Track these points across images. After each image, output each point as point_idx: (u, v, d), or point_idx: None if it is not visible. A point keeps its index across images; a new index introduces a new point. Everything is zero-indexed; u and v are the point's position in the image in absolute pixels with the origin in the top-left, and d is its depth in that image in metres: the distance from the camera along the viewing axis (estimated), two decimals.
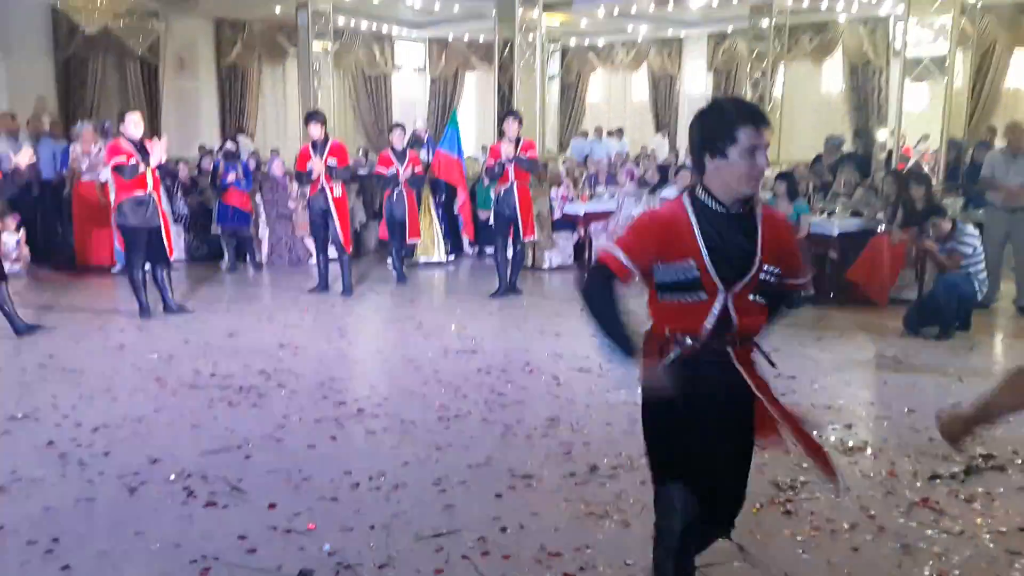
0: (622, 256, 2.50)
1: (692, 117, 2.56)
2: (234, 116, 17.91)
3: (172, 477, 4.07)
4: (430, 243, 10.52)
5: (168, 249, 7.55)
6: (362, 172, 12.62)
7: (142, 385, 5.56)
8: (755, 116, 2.47)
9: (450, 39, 21.01)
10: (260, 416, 4.97)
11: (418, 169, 9.19)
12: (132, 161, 7.06)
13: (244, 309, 7.90)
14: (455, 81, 21.63)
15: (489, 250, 11.03)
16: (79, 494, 3.89)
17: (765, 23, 14.95)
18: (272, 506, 3.77)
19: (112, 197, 7.67)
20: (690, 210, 2.52)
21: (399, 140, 9.11)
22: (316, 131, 8.06)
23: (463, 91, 21.86)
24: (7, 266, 9.13)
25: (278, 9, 16.04)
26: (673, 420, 2.59)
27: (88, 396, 5.32)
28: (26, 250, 9.64)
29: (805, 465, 4.22)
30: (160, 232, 7.38)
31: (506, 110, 9.38)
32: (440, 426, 4.82)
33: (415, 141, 10.86)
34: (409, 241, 9.34)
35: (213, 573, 3.21)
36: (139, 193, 7.18)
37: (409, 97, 21.21)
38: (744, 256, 2.50)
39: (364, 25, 19.05)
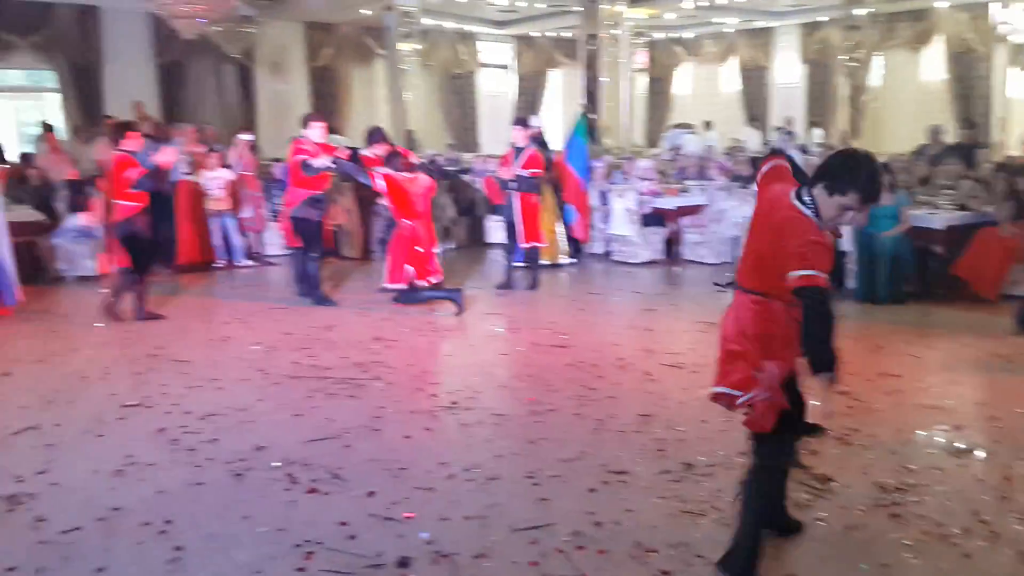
0: (824, 277, 2.86)
1: (860, 156, 3.05)
2: (326, 116, 18.30)
3: (276, 464, 4.20)
4: (551, 245, 9.79)
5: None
6: (450, 169, 12.75)
7: (246, 375, 5.75)
8: (878, 196, 3.04)
9: (535, 36, 21.05)
10: (357, 407, 5.07)
11: (534, 171, 8.35)
12: (317, 161, 7.53)
13: (340, 302, 8.07)
14: (541, 78, 21.67)
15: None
16: (189, 478, 4.06)
17: (861, 12, 14.49)
18: (371, 494, 3.85)
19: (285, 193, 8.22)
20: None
21: (520, 138, 8.35)
22: (380, 150, 8.11)
23: (548, 88, 21.89)
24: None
25: (366, 11, 16.35)
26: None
27: (196, 385, 5.52)
28: None
29: (912, 467, 4.09)
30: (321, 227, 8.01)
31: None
32: (532, 420, 4.83)
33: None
34: (524, 246, 8.53)
35: (317, 557, 3.30)
36: (316, 192, 7.71)
37: (495, 95, 21.34)
38: None
39: (449, 25, 19.26)
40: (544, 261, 9.47)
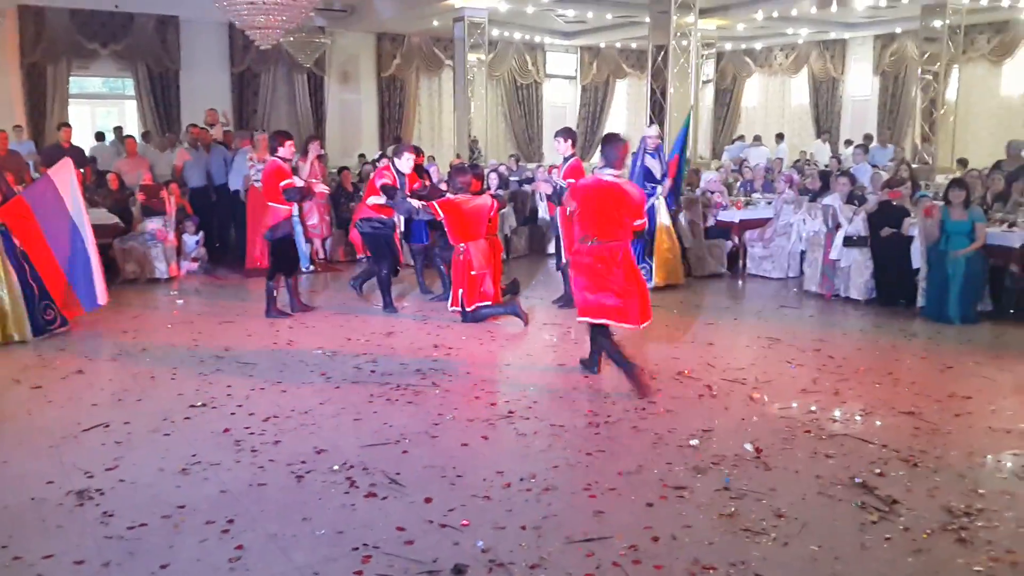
0: None
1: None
2: (392, 125, 18.62)
3: (336, 467, 4.26)
4: (677, 264, 9.12)
5: (400, 256, 8.43)
6: (514, 179, 12.81)
7: (308, 379, 5.84)
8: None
9: (602, 47, 21.05)
10: (416, 413, 5.12)
11: (569, 182, 7.64)
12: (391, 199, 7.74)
13: (401, 310, 8.15)
14: (606, 88, 21.66)
15: None
16: (252, 479, 4.14)
17: (938, 23, 14.14)
18: (428, 500, 3.88)
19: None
20: None
21: (564, 148, 7.88)
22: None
23: (613, 98, 21.87)
24: (185, 265, 9.90)
25: (435, 22, 16.56)
26: None
27: (260, 387, 5.64)
28: (203, 251, 10.34)
29: (981, 491, 3.96)
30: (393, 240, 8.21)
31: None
32: (590, 431, 4.81)
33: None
34: (566, 259, 8.03)
35: (374, 561, 3.33)
36: (381, 215, 7.95)
37: (559, 105, 21.39)
38: None
39: (517, 36, 19.39)
40: (657, 283, 8.83)
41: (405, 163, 7.97)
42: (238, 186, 10.68)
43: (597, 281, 5.48)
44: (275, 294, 7.79)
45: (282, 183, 7.47)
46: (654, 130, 9.22)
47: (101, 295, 7.30)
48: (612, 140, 5.70)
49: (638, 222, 5.61)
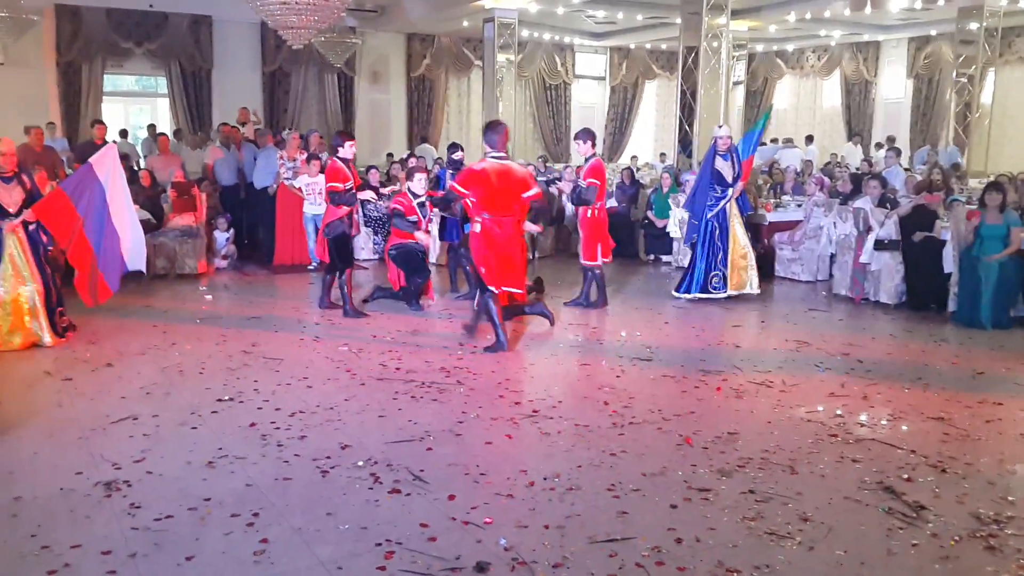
0: None
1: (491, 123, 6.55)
2: (421, 125, 18.67)
3: (360, 463, 4.28)
4: (741, 271, 8.61)
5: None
6: (542, 179, 12.77)
7: (334, 375, 5.88)
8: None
9: (632, 48, 20.98)
10: (440, 411, 5.13)
11: (591, 181, 7.78)
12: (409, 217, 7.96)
13: (426, 308, 8.18)
14: (635, 89, 21.58)
15: (665, 258, 10.95)
16: (277, 473, 4.17)
17: (974, 26, 13.93)
18: (452, 497, 3.88)
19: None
20: None
21: (585, 150, 7.94)
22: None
23: (643, 99, 21.78)
24: (215, 261, 10.00)
25: (465, 23, 16.59)
26: None
27: (286, 383, 5.68)
28: (233, 248, 10.45)
29: (1012, 499, 3.90)
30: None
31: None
32: (614, 432, 4.79)
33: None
34: (584, 263, 8.12)
35: (397, 557, 3.34)
36: (409, 240, 8.03)
37: (588, 105, 21.35)
38: None
39: (547, 36, 19.38)
40: (739, 291, 8.57)
41: (418, 184, 8.12)
42: (264, 184, 10.76)
43: (498, 253, 6.31)
44: (332, 287, 8.01)
45: (327, 184, 7.58)
46: (725, 131, 8.54)
47: (135, 263, 7.06)
48: (494, 126, 6.40)
49: (530, 192, 6.41)
